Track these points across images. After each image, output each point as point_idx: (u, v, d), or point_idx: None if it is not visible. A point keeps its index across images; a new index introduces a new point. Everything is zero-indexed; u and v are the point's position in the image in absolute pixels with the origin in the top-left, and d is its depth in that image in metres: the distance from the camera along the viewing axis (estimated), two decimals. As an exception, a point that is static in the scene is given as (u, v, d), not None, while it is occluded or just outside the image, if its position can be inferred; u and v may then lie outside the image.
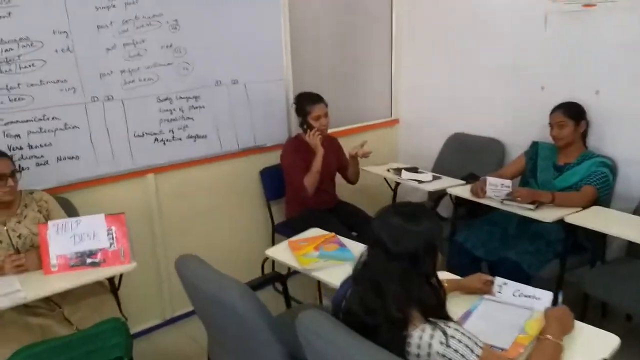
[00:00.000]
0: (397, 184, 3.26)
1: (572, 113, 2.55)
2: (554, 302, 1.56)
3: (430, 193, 3.02)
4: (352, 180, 3.09)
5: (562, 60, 2.82)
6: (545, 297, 1.55)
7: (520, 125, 3.07)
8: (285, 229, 3.04)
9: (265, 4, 2.91)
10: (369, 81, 3.63)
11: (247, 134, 2.99)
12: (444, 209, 3.09)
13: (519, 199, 2.34)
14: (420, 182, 2.84)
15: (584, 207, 2.38)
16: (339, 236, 2.11)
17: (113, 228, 1.97)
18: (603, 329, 1.50)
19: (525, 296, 1.59)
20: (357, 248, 2.03)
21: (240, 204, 3.08)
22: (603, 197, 2.46)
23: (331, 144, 2.97)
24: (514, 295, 1.61)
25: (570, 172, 2.55)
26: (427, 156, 3.61)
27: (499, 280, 1.64)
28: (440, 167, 3.38)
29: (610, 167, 2.49)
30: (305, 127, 2.79)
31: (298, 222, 2.91)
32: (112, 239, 1.96)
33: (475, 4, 3.21)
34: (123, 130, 2.54)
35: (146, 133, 2.63)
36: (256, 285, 1.95)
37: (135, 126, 2.58)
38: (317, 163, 2.77)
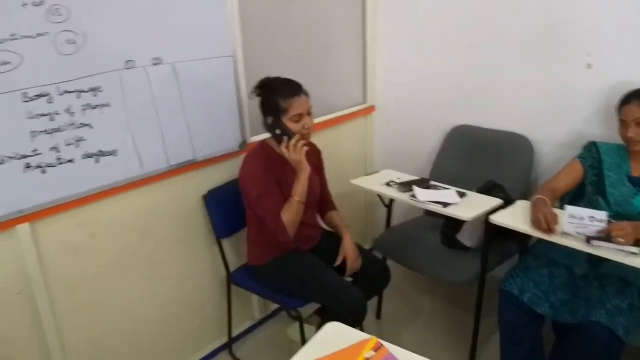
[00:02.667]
0: (392, 199, 2.40)
1: (657, 105, 1.82)
2: None
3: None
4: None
5: (621, 21, 2.06)
6: None
7: (554, 117, 2.31)
8: (246, 279, 2.08)
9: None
10: (335, 55, 2.66)
11: (180, 142, 1.94)
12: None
13: (620, 239, 1.57)
14: (445, 204, 1.98)
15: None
16: (384, 343, 1.20)
17: None
18: None
19: None
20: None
21: (175, 247, 2.04)
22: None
23: (310, 151, 2.01)
24: None
25: (656, 187, 1.84)
26: (417, 156, 2.78)
27: None
28: (441, 173, 2.56)
29: None
30: (278, 132, 1.80)
31: (269, 272, 1.97)
32: None
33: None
34: (-40, 157, 1.41)
35: (8, 157, 1.51)
36: None
37: (-16, 147, 1.45)
38: (301, 188, 1.81)
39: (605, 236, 1.61)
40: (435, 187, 2.14)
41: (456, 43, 2.52)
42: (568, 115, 2.27)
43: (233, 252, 2.19)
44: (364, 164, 3.01)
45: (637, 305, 1.70)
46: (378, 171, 2.42)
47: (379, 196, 2.32)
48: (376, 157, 3.02)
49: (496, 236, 2.09)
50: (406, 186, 2.13)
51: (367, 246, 3.05)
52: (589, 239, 1.64)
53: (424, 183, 2.17)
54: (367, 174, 2.40)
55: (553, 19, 2.21)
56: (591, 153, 2.01)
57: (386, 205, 2.42)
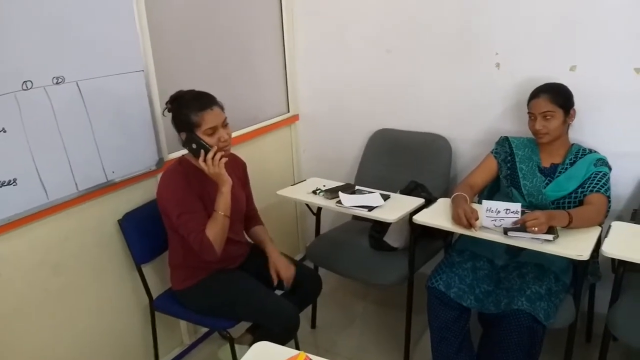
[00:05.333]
0: (320, 207, 2.39)
1: (562, 99, 1.92)
2: None
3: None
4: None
5: (523, 24, 2.17)
6: None
7: (470, 116, 2.40)
8: (171, 305, 1.97)
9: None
10: (255, 66, 2.63)
11: (90, 165, 1.83)
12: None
13: (534, 228, 1.64)
14: (371, 208, 2.00)
15: (600, 224, 1.79)
16: (314, 358, 1.17)
17: None
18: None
19: None
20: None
21: (92, 278, 1.91)
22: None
23: (233, 165, 1.95)
24: None
25: (564, 176, 1.94)
26: (343, 160, 2.81)
27: None
28: (366, 177, 2.59)
29: (609, 166, 1.94)
30: (195, 147, 1.73)
31: (195, 296, 1.89)
32: None
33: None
34: None
35: None
36: None
37: None
38: (225, 202, 1.75)
39: (521, 226, 1.68)
40: (360, 192, 2.16)
41: (375, 49, 2.56)
42: (482, 113, 2.36)
43: (157, 277, 2.09)
44: (291, 173, 2.99)
45: (554, 289, 1.78)
46: (305, 180, 2.40)
47: (307, 205, 2.30)
48: (303, 165, 3.01)
49: (421, 235, 2.14)
50: (332, 193, 2.13)
51: (300, 255, 3.04)
52: (506, 231, 1.70)
53: (349, 189, 2.18)
54: (294, 184, 2.38)
55: (464, 22, 2.29)
56: (504, 148, 2.10)
57: (315, 214, 2.41)
